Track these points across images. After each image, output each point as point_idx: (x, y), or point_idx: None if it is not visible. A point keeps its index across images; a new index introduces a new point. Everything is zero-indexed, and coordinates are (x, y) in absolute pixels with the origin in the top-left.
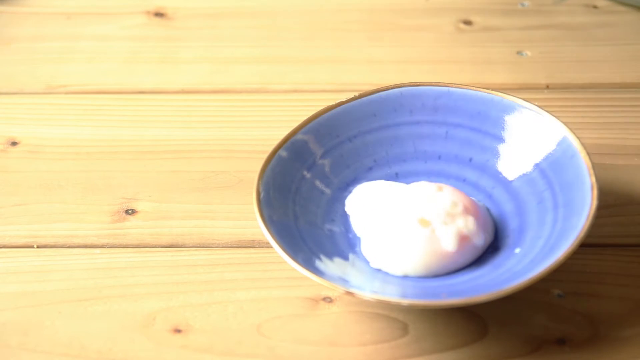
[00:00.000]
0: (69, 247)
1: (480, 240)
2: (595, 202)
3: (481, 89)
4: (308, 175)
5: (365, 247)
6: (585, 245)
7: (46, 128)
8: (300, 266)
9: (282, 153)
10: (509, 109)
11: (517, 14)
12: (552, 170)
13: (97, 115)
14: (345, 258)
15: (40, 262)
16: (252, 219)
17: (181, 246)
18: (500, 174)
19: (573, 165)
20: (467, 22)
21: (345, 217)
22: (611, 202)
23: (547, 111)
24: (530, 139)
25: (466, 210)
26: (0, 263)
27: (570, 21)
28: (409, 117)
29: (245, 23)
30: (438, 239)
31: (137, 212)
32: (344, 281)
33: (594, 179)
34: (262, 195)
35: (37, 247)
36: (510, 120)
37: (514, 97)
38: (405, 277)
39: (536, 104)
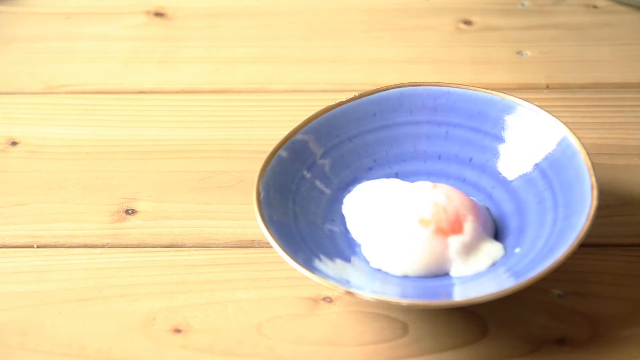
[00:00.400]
0: (69, 247)
1: (479, 240)
2: (595, 202)
3: (481, 89)
4: (308, 175)
5: (365, 247)
6: (585, 245)
7: (46, 128)
8: (300, 266)
9: (282, 153)
10: (508, 109)
11: (517, 14)
12: (552, 170)
13: (97, 115)
14: (345, 258)
15: (40, 262)
16: (252, 219)
17: (181, 246)
18: (500, 174)
19: (573, 165)
20: (467, 22)
21: (345, 217)
22: (611, 202)
23: (547, 111)
24: (530, 139)
25: (466, 210)
26: (0, 263)
27: (570, 21)
28: (409, 117)
29: (245, 23)
30: (438, 239)
31: (137, 212)
32: (344, 281)
33: (594, 179)
34: (262, 195)
35: (37, 247)
36: (510, 120)
37: (514, 97)
38: (405, 277)
39: (536, 104)
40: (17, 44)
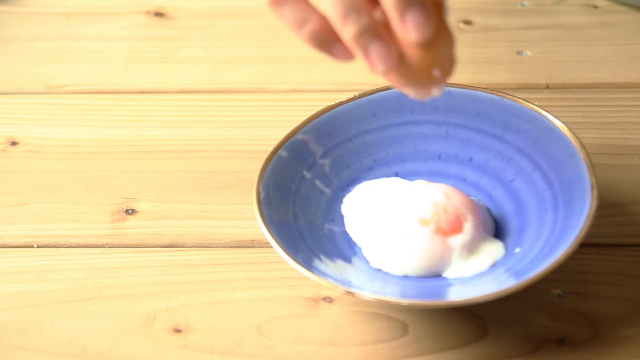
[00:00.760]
0: (69, 247)
1: (479, 240)
2: (595, 202)
3: (481, 89)
4: (308, 175)
5: (365, 247)
6: (585, 245)
7: (46, 128)
8: (300, 266)
9: (282, 153)
10: (509, 109)
11: (517, 14)
12: (552, 170)
13: (97, 115)
14: (345, 258)
15: (40, 262)
16: (252, 219)
17: (181, 246)
18: (500, 173)
19: (573, 165)
20: (467, 22)
21: (344, 217)
22: (611, 202)
23: (547, 111)
24: (530, 139)
25: (466, 210)
26: (0, 263)
27: (570, 21)
28: (409, 117)
29: (245, 23)
30: (438, 239)
31: (137, 212)
32: (344, 281)
33: (594, 179)
34: (262, 195)
35: (37, 247)
36: (510, 120)
37: (514, 97)
38: (405, 277)
39: (536, 104)
40: (17, 44)
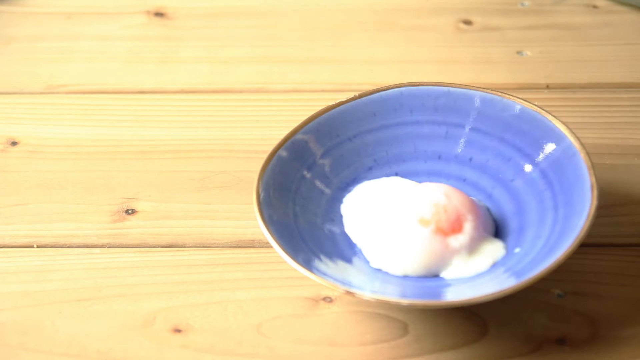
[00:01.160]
0: (69, 247)
1: (479, 240)
2: (595, 202)
3: (481, 89)
4: (308, 175)
5: (365, 247)
6: (585, 245)
7: (46, 128)
8: (300, 266)
9: (282, 153)
10: (509, 108)
11: (517, 14)
12: (552, 170)
13: (97, 115)
14: (345, 258)
15: (40, 262)
16: (252, 219)
17: (181, 246)
18: (500, 174)
19: (573, 165)
20: (467, 22)
21: (343, 217)
22: (611, 202)
23: (547, 111)
24: (530, 139)
25: (466, 210)
26: (0, 263)
27: (570, 21)
28: (409, 117)
29: (245, 23)
30: (438, 238)
31: (137, 212)
32: (344, 281)
33: (594, 179)
34: (262, 195)
35: (37, 247)
36: (510, 120)
37: (514, 97)
38: (405, 277)
39: (536, 104)
40: (17, 44)
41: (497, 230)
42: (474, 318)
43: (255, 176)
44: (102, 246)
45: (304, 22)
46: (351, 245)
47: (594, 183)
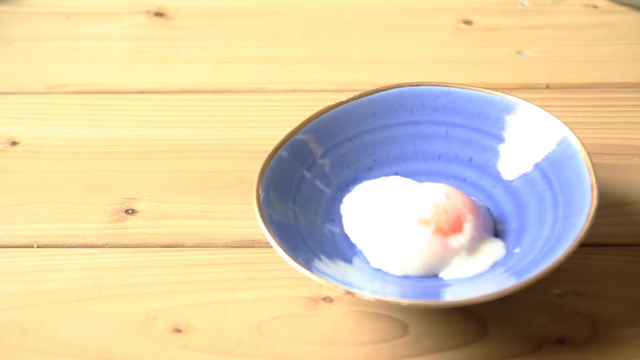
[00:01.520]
0: (69, 247)
1: (479, 240)
2: (595, 202)
3: (481, 89)
4: (308, 175)
5: (365, 247)
6: (585, 245)
7: (46, 128)
8: (300, 266)
9: (282, 153)
10: (509, 108)
11: (517, 14)
12: (552, 170)
13: (97, 115)
14: (345, 258)
15: (40, 262)
16: (252, 219)
17: (181, 246)
18: (500, 174)
19: (573, 165)
20: (467, 22)
21: (343, 218)
22: (611, 202)
23: (547, 111)
24: (530, 138)
25: (466, 210)
26: (0, 263)
27: (570, 21)
28: (409, 117)
29: (245, 23)
30: (438, 238)
31: (137, 212)
32: (344, 281)
33: (594, 179)
34: (262, 195)
35: (37, 247)
36: (510, 120)
37: (514, 97)
38: (405, 277)
39: (536, 104)
40: (17, 44)
41: (497, 230)
42: (474, 318)
43: (255, 176)
44: (102, 246)
45: (304, 22)
46: (351, 245)
47: (594, 183)
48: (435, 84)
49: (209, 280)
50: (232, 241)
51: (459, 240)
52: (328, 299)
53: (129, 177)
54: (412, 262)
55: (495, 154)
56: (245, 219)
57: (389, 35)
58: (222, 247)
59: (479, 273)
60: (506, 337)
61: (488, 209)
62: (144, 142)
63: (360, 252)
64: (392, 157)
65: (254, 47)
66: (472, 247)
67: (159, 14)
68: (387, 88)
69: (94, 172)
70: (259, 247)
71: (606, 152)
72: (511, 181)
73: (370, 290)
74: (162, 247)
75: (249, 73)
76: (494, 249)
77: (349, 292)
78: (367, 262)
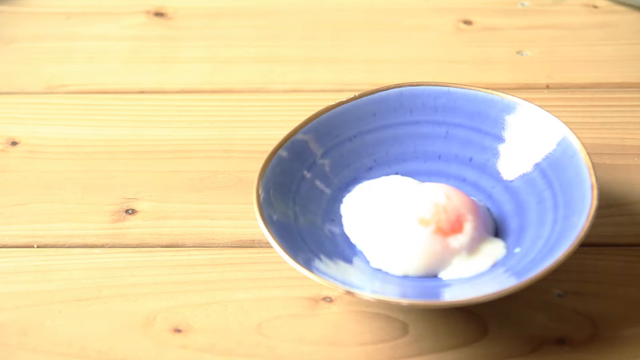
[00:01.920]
0: (69, 247)
1: (479, 240)
2: (595, 202)
3: (481, 89)
4: (308, 175)
5: (365, 247)
6: (585, 245)
7: (46, 128)
8: (300, 266)
9: (282, 153)
10: (509, 108)
11: (517, 14)
12: (552, 170)
13: (97, 115)
14: (346, 258)
15: (40, 262)
16: (252, 219)
17: (181, 246)
18: (500, 174)
19: (573, 165)
20: (467, 22)
21: (343, 218)
22: (611, 202)
23: (547, 111)
24: (530, 138)
25: (466, 210)
26: (0, 263)
27: (570, 21)
28: (409, 117)
29: (245, 23)
30: (438, 238)
31: (137, 212)
32: (344, 281)
33: (594, 179)
34: (262, 195)
35: (37, 247)
36: (510, 120)
37: (514, 97)
38: (405, 277)
39: (536, 104)
40: (17, 44)
41: (497, 230)
42: (474, 318)
43: (255, 176)
44: (102, 246)
45: (304, 22)
46: (351, 245)
47: (594, 183)
48: (435, 84)
49: (209, 280)
50: (232, 241)
51: (459, 240)
52: (328, 299)
53: (129, 177)
54: (412, 262)
55: (495, 154)
56: (245, 219)
57: (389, 35)
58: (222, 247)
59: (479, 273)
60: (506, 337)
61: (488, 209)
62: (144, 142)
63: (360, 252)
64: (392, 157)
65: (254, 47)
66: (472, 247)
67: (159, 14)
68: (387, 88)
69: (94, 172)
70: (259, 247)
71: (606, 152)
72: (511, 181)
73: (370, 290)
74: (162, 247)
75: (249, 73)
76: (494, 249)
77: (349, 292)
78: (367, 262)
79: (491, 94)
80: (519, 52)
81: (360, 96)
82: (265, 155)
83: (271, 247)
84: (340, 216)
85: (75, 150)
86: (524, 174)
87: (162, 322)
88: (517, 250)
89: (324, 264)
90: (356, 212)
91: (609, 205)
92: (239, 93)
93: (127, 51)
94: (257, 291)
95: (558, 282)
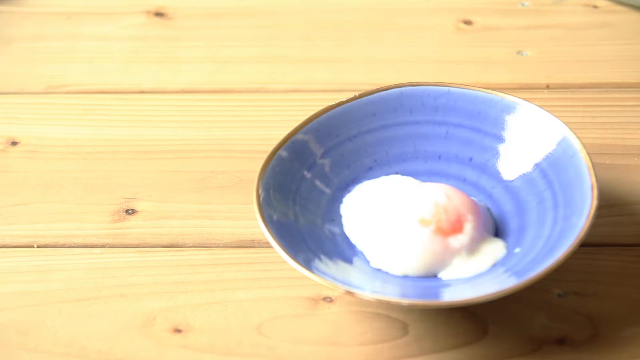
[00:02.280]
0: (69, 247)
1: (479, 240)
2: (595, 202)
3: (481, 89)
4: (308, 175)
5: (365, 247)
6: (585, 245)
7: (46, 128)
8: (300, 266)
9: (282, 153)
10: (509, 108)
11: (517, 14)
12: (552, 170)
13: (97, 115)
14: (346, 258)
15: (40, 262)
16: (252, 219)
17: (181, 246)
18: (500, 174)
19: (573, 165)
20: (467, 22)
21: (343, 218)
22: (611, 202)
23: (547, 111)
24: (530, 138)
25: (466, 210)
26: (0, 263)
27: (570, 21)
28: (409, 117)
29: (245, 23)
30: (438, 239)
31: (137, 212)
32: (344, 281)
33: (594, 179)
34: (262, 195)
35: (37, 247)
36: (510, 120)
37: (514, 97)
38: (406, 277)
39: (536, 104)
40: (17, 44)
41: (497, 230)
42: (474, 318)
43: (255, 176)
44: (102, 246)
45: (304, 22)
46: (351, 245)
47: (594, 183)
48: (435, 84)
49: (209, 280)
50: (232, 241)
51: (459, 240)
52: (328, 299)
53: (129, 177)
54: (412, 262)
55: (496, 154)
56: (245, 219)
57: (389, 35)
58: (222, 247)
59: (479, 273)
60: (506, 337)
61: (488, 209)
62: (144, 142)
63: (360, 252)
64: (392, 157)
65: (254, 47)
66: (473, 247)
67: (159, 14)
68: (387, 88)
69: (94, 172)
70: (259, 247)
71: (606, 152)
72: (511, 181)
73: (371, 290)
74: (162, 247)
75: (249, 73)
76: (494, 249)
77: (349, 292)
78: (367, 262)
79: (491, 94)
80: (519, 52)
81: (360, 96)
82: (265, 155)
83: (271, 247)
84: (340, 216)
85: (75, 150)
86: (524, 174)
87: (162, 322)
88: (517, 250)
89: (324, 264)
90: (356, 212)
91: (609, 205)
92: (239, 93)
93: (127, 51)
94: (257, 291)
95: (558, 282)
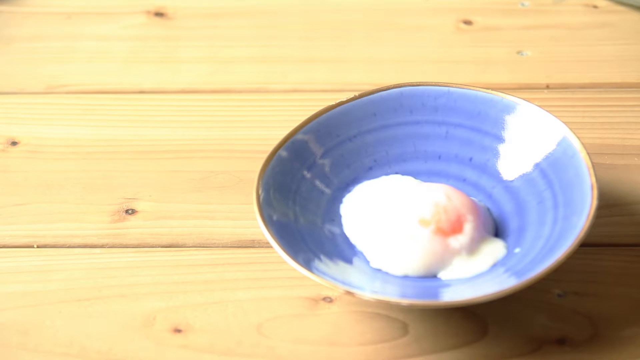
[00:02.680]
0: (69, 247)
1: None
2: (595, 202)
3: (481, 89)
4: (308, 175)
5: (365, 247)
6: (585, 245)
7: (46, 128)
8: (300, 266)
9: (282, 153)
10: (509, 108)
11: (517, 14)
12: (552, 170)
13: (97, 115)
14: (345, 258)
15: (40, 262)
16: (252, 219)
17: (181, 246)
18: (500, 174)
19: (573, 165)
20: (467, 22)
21: (342, 218)
22: (611, 202)
23: (547, 111)
24: (530, 138)
25: (466, 211)
26: (0, 263)
27: (570, 21)
28: (409, 117)
29: (245, 23)
30: (438, 239)
31: (137, 212)
32: (344, 281)
33: (594, 179)
34: (262, 195)
35: (37, 247)
36: (510, 120)
37: (514, 97)
38: (405, 277)
39: (536, 104)
40: (17, 44)
41: (497, 230)
42: (474, 318)
43: (255, 176)
44: (102, 246)
45: (304, 22)
46: (351, 245)
47: (594, 183)
48: (435, 84)
49: (209, 280)
50: (232, 241)
51: (459, 240)
52: (328, 299)
53: (129, 177)
54: (412, 262)
55: (496, 154)
56: (245, 219)
57: (389, 35)
58: (222, 247)
59: (479, 273)
60: (506, 337)
61: (488, 209)
62: (144, 142)
63: (360, 252)
64: (392, 157)
65: (254, 47)
66: (472, 248)
67: (159, 14)
68: (387, 88)
69: (94, 172)
70: (259, 247)
71: (606, 152)
72: (511, 181)
73: (370, 290)
74: (162, 247)
75: (249, 73)
76: (494, 249)
77: (349, 292)
78: (367, 262)
79: (491, 94)
80: (518, 52)
81: (360, 96)
82: (265, 155)
83: (271, 247)
84: (340, 216)
85: (75, 150)
86: (524, 174)
87: (162, 322)
88: (517, 250)
89: (324, 264)
90: (356, 212)
91: (609, 205)
92: (239, 93)
93: (127, 51)
94: (257, 291)
95: (558, 282)
